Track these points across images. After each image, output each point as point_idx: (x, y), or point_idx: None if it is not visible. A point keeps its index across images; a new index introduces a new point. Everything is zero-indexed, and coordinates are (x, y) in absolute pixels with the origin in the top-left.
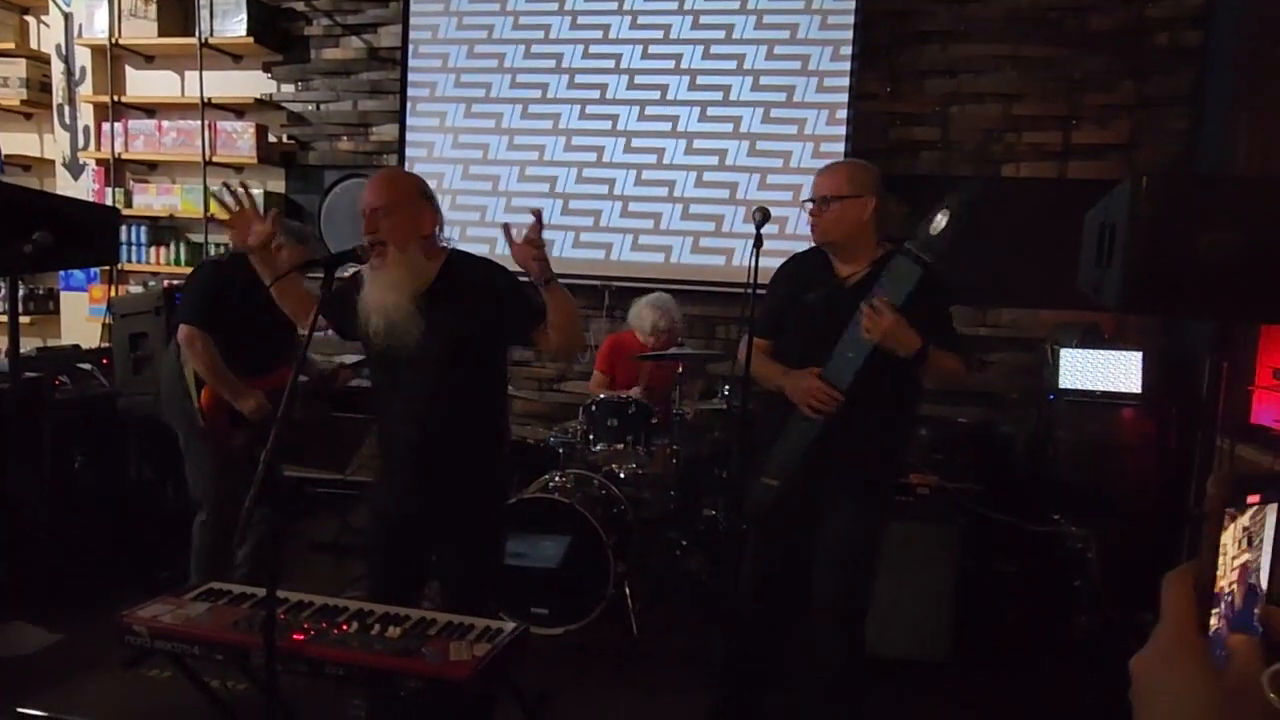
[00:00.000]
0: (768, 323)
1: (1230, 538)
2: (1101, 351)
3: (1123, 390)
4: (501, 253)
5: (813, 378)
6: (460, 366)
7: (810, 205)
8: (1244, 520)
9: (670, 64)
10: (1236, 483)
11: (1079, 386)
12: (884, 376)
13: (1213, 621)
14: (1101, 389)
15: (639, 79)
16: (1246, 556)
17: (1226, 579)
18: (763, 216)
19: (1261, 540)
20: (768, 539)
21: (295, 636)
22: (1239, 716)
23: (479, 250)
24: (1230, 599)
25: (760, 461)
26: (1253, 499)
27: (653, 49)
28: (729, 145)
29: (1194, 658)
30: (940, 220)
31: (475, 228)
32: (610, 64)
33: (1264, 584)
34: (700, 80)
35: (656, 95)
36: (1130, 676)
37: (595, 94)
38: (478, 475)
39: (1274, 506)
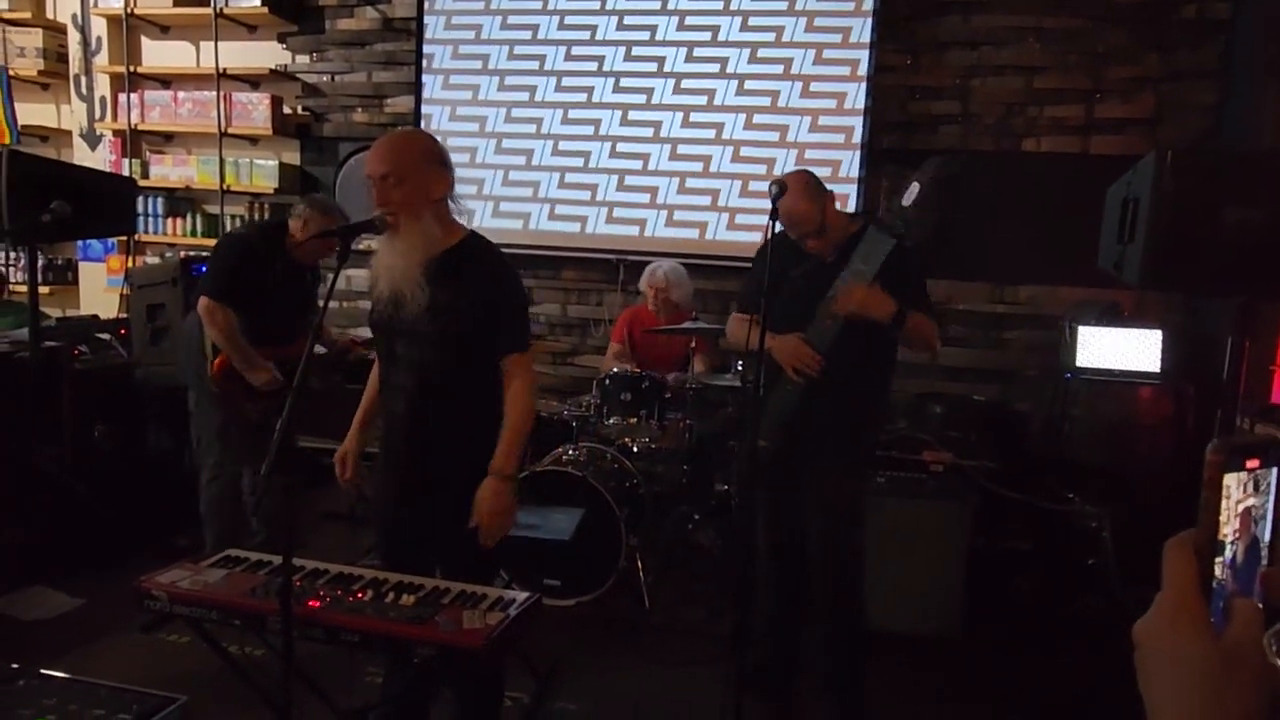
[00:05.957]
0: (752, 298)
1: (1235, 480)
2: (1120, 329)
3: (1141, 369)
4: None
5: (797, 340)
6: (455, 342)
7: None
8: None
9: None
10: (1236, 448)
11: (1096, 365)
12: (861, 342)
13: (1217, 571)
14: (1120, 367)
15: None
16: (1252, 501)
17: (1230, 525)
18: (779, 190)
19: (1269, 486)
20: (766, 497)
21: (311, 603)
22: (1235, 679)
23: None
24: (1234, 549)
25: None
26: (1252, 464)
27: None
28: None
29: (1193, 622)
30: (912, 192)
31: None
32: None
33: (1267, 538)
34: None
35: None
36: (1134, 642)
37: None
38: (472, 451)
39: (1275, 470)
